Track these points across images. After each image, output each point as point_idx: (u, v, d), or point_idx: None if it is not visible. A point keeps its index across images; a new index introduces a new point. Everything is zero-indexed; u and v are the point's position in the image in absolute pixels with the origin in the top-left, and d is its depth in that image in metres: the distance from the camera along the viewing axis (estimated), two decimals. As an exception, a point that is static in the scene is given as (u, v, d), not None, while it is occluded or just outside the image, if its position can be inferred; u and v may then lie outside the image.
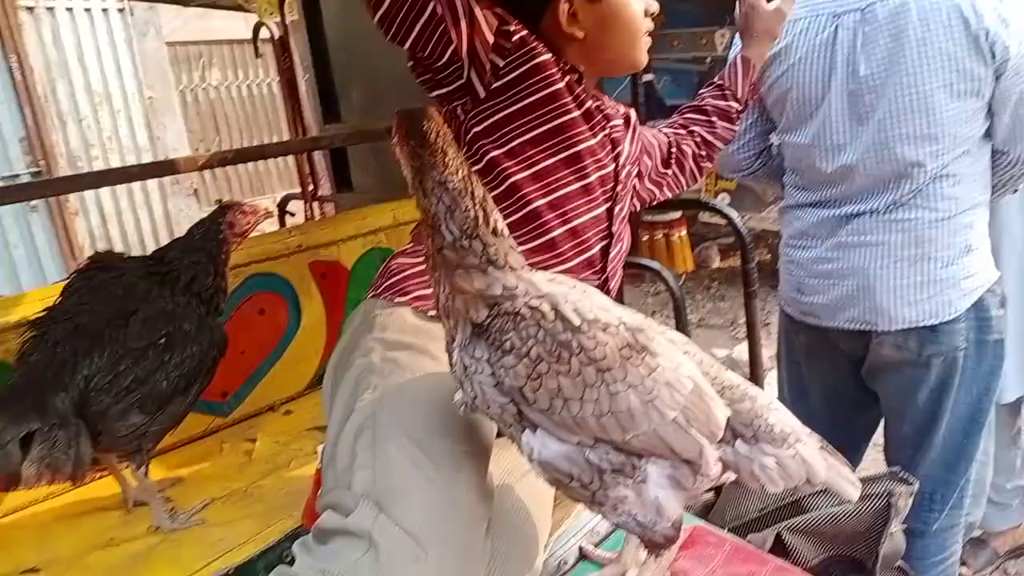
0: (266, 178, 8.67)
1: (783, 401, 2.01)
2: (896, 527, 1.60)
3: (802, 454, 1.07)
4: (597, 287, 1.28)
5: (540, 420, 0.98)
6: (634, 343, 0.98)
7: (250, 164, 8.44)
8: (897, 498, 1.58)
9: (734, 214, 1.94)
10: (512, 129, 1.34)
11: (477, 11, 1.30)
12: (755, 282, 1.93)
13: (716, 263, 6.28)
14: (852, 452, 2.14)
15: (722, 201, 5.02)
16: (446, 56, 1.28)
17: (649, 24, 1.46)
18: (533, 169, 1.35)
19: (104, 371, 1.60)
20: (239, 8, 4.82)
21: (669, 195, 1.74)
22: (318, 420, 2.18)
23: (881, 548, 1.58)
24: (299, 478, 1.87)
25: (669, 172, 1.71)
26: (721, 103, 1.73)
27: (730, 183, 5.22)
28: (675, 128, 1.75)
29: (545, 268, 1.24)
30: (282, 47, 3.00)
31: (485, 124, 1.34)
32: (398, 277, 1.36)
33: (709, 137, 1.73)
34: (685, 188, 1.76)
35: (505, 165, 1.33)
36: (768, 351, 3.88)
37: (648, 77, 4.71)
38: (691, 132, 1.73)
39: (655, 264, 1.96)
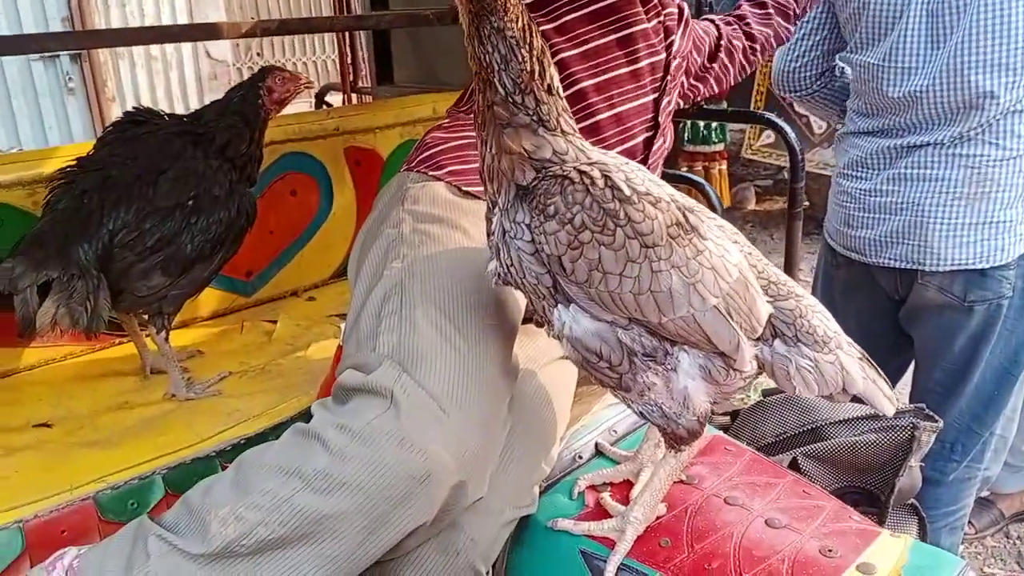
0: (308, 72, 8.55)
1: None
2: (916, 462, 1.57)
3: (841, 360, 1.03)
4: None
5: (576, 293, 0.94)
6: (683, 222, 0.94)
7: (293, 63, 8.32)
8: (921, 432, 1.54)
9: (787, 129, 1.86)
10: (565, 3, 1.28)
11: None
12: (801, 203, 1.86)
13: (752, 204, 6.16)
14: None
15: (765, 138, 4.89)
16: None
17: None
18: (583, 48, 1.30)
19: (130, 227, 1.57)
20: None
21: (715, 89, 1.70)
22: (341, 308, 2.16)
23: (898, 481, 1.55)
24: (318, 360, 1.85)
25: (715, 65, 1.66)
26: (787, 7, 1.68)
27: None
28: (729, 19, 1.69)
29: None
30: (332, -70, 2.91)
31: None
32: (434, 151, 1.32)
33: (764, 30, 1.68)
34: (731, 82, 1.73)
35: (554, 40, 1.28)
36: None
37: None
38: (746, 24, 1.68)
39: (697, 178, 1.90)
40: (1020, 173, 1.74)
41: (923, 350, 1.99)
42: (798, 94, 2.08)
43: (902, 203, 1.82)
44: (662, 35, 1.40)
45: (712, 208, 1.93)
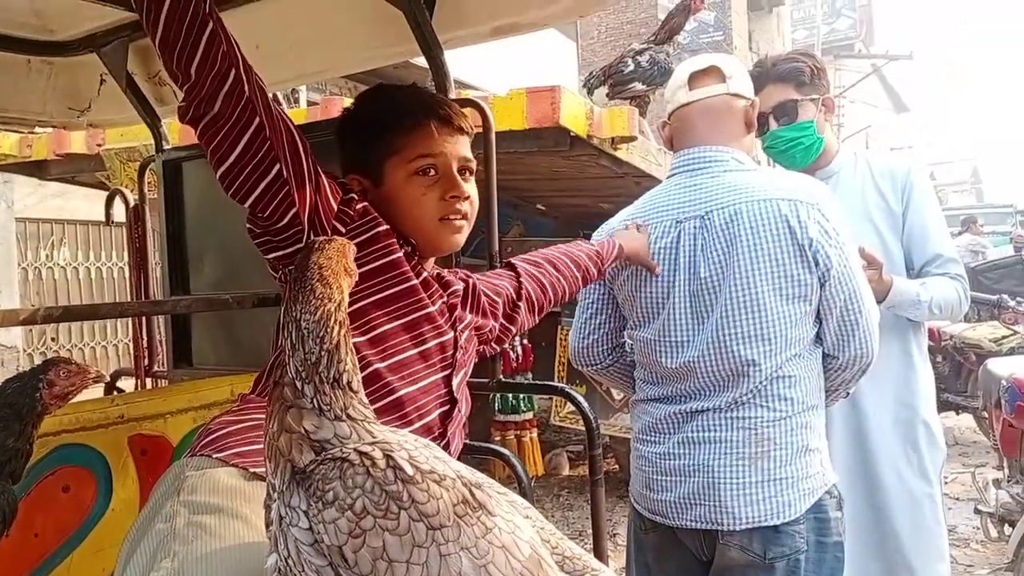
0: (103, 364, 8.19)
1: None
2: None
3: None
4: None
5: (361, 587, 0.87)
6: (471, 499, 0.91)
7: (86, 347, 7.99)
8: None
9: (580, 399, 1.94)
10: (351, 293, 1.32)
11: (323, 178, 1.33)
12: (601, 470, 1.90)
13: (566, 470, 6.26)
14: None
15: (571, 406, 5.08)
16: (287, 218, 1.28)
17: (450, 207, 1.45)
18: (371, 334, 1.32)
19: None
20: (100, 185, 4.73)
21: (525, 326, 1.80)
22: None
23: None
24: None
25: (513, 328, 1.74)
26: (591, 276, 1.88)
27: (580, 387, 5.32)
28: (540, 276, 1.81)
29: None
30: (136, 216, 2.92)
31: None
32: (219, 434, 1.25)
33: (559, 296, 1.84)
34: (527, 328, 1.83)
35: None
36: (616, 563, 3.79)
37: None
38: (552, 286, 1.82)
39: (503, 450, 1.91)
40: (793, 432, 1.87)
41: (736, 611, 1.98)
42: (594, 368, 2.20)
43: (694, 465, 1.89)
44: (447, 314, 1.46)
45: (519, 479, 1.92)
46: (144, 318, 2.92)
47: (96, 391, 2.18)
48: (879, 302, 2.10)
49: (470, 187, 1.49)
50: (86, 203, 7.26)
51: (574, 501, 5.66)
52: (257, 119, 1.19)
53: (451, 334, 1.44)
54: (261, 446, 1.19)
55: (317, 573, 0.89)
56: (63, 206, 7.70)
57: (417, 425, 1.34)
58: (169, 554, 1.07)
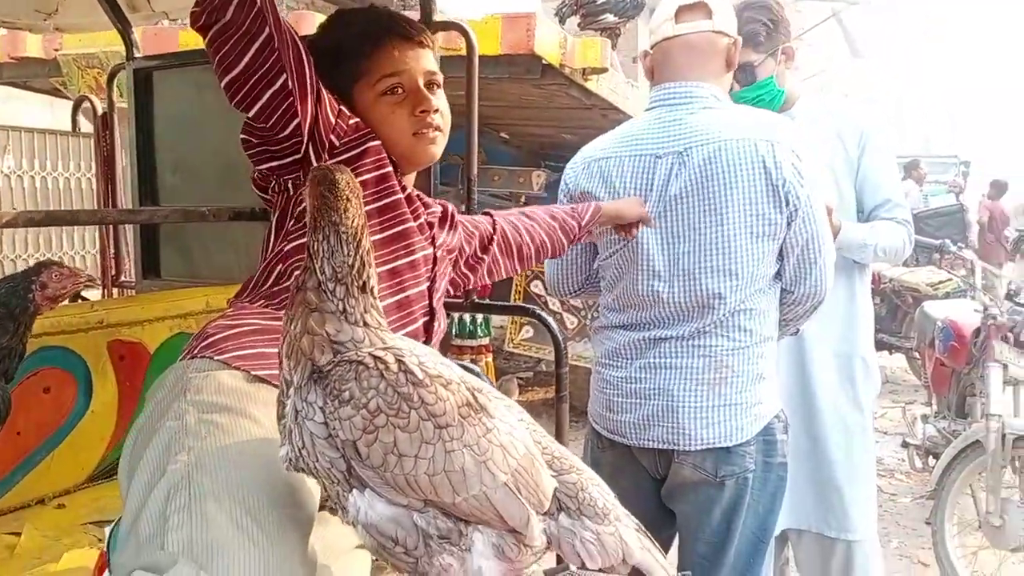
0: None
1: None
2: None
3: (620, 532, 1.10)
4: None
5: (371, 478, 0.96)
6: (473, 402, 1.00)
7: (50, 254, 7.81)
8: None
9: (551, 320, 2.03)
10: None
11: (323, 92, 1.36)
12: (566, 388, 2.01)
13: (516, 395, 6.41)
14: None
15: (524, 333, 5.20)
16: (288, 129, 1.32)
17: (421, 121, 1.49)
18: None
19: None
20: (54, 92, 4.60)
21: (486, 279, 1.84)
22: (97, 515, 1.98)
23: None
24: (72, 571, 1.67)
25: (487, 257, 1.79)
26: (569, 228, 1.90)
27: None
28: (515, 220, 1.85)
29: None
30: (104, 124, 2.89)
31: None
32: (217, 337, 1.30)
33: (542, 237, 1.86)
34: (503, 275, 1.87)
35: None
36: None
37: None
38: (530, 225, 1.85)
39: (470, 364, 2.00)
40: (750, 361, 1.98)
41: (685, 526, 2.13)
42: (568, 295, 2.29)
43: (655, 389, 2.00)
44: (427, 230, 1.53)
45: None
46: (112, 228, 2.92)
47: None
48: None
49: (438, 100, 1.52)
50: (38, 109, 7.03)
51: (524, 423, 5.82)
52: (267, 28, 1.22)
53: (431, 249, 1.51)
54: (260, 350, 1.26)
55: (330, 463, 0.97)
56: (10, 111, 7.43)
57: (401, 333, 1.40)
58: (185, 448, 1.12)
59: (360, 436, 0.95)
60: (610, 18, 3.62)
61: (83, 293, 3.13)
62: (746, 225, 1.91)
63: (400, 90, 1.47)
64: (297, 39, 1.30)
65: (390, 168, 1.44)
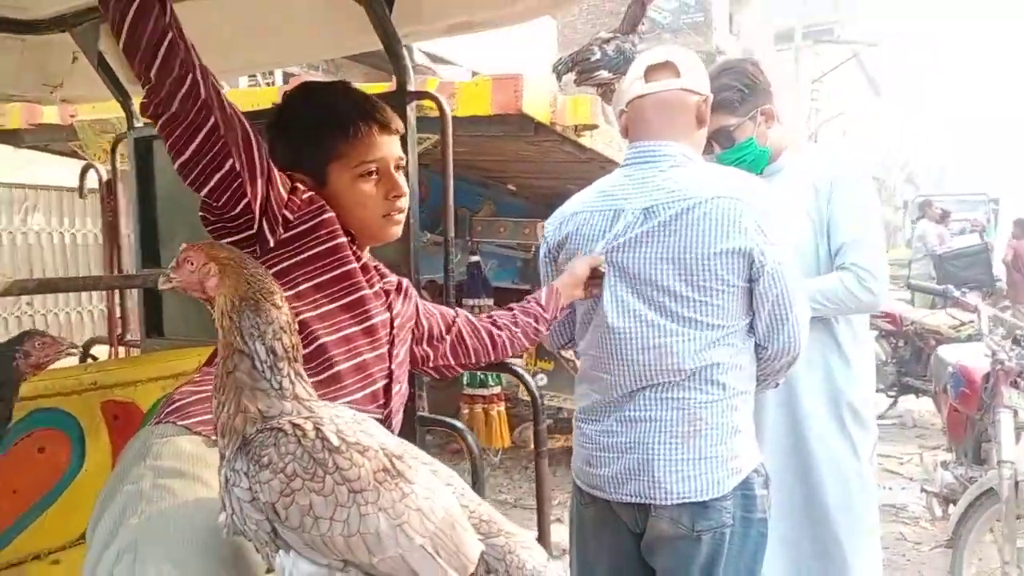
0: (78, 330, 8.24)
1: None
2: None
3: (548, 593, 1.13)
4: (380, 421, 1.36)
5: (292, 539, 1.01)
6: (391, 467, 1.04)
7: (61, 314, 8.05)
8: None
9: (527, 376, 2.07)
10: (300, 275, 1.46)
11: (275, 171, 1.44)
12: (545, 443, 2.04)
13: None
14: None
15: (539, 380, 5.22)
16: (239, 208, 1.40)
17: (392, 205, 1.61)
18: (319, 311, 1.46)
19: None
20: (73, 154, 4.77)
21: (450, 361, 1.89)
22: (88, 571, 2.03)
23: None
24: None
25: (444, 344, 1.86)
26: (532, 315, 2.00)
27: (547, 363, 5.47)
28: (474, 319, 1.94)
29: (332, 400, 1.32)
30: (108, 190, 3.01)
31: (275, 269, 1.44)
32: (181, 403, 1.37)
33: (504, 335, 1.97)
34: (467, 365, 1.93)
35: (294, 305, 1.41)
36: (567, 528, 3.92)
37: (475, 258, 5.00)
38: (495, 327, 1.95)
39: (457, 423, 2.04)
40: (723, 414, 1.98)
41: (664, 581, 2.13)
42: (559, 350, 2.37)
43: (630, 442, 2.01)
44: (383, 297, 1.61)
45: (469, 450, 2.04)
46: (118, 290, 3.02)
47: (71, 360, 2.29)
48: None
49: (404, 182, 1.64)
50: (59, 170, 7.27)
51: (541, 473, 5.79)
52: (212, 119, 1.30)
53: (387, 314, 1.59)
54: None
55: (256, 526, 1.03)
56: (34, 172, 7.69)
57: (359, 395, 1.47)
58: (136, 512, 1.20)
59: (278, 499, 1.00)
60: (604, 74, 3.69)
61: (91, 352, 3.24)
62: (713, 281, 1.94)
63: (375, 175, 1.58)
64: (246, 124, 1.38)
65: (344, 239, 1.52)
